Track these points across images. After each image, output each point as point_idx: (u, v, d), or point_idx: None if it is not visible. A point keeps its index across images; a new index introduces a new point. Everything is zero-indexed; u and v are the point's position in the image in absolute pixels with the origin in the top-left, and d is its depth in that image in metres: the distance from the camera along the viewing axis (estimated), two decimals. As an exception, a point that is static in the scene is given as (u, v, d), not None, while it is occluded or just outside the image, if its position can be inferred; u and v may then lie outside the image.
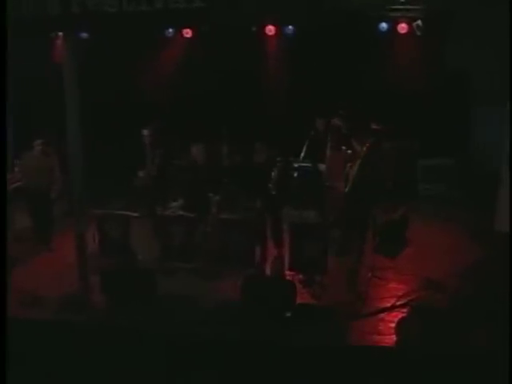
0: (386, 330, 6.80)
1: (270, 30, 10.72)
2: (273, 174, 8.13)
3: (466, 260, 8.38)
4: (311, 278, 7.77)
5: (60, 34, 8.33)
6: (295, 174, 9.22)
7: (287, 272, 7.47)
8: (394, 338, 6.62)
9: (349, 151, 8.91)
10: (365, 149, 7.80)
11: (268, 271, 7.33)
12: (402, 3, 8.71)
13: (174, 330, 6.77)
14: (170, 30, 10.82)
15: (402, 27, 10.12)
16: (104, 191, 9.65)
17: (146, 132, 9.09)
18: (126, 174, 9.78)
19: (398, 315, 7.05)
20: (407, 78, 10.48)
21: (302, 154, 9.26)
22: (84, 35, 10.32)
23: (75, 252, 7.90)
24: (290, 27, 10.67)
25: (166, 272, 7.85)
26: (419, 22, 9.83)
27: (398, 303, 7.34)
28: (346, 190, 7.94)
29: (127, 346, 6.30)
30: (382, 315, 7.12)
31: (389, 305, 7.32)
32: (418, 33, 9.95)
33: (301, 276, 7.78)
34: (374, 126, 8.25)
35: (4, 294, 5.95)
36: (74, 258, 7.97)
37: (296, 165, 9.28)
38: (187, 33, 10.94)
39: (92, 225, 8.27)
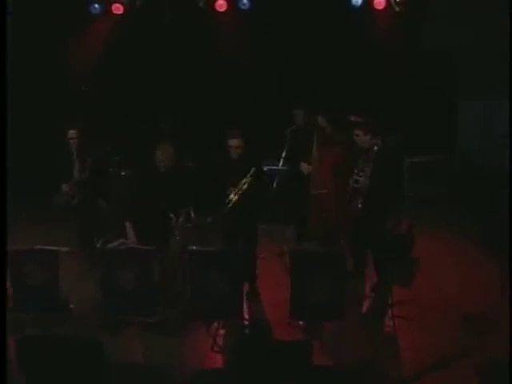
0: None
1: (221, 5, 9.56)
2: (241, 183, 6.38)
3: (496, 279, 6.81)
4: (316, 324, 5.94)
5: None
6: (273, 180, 7.55)
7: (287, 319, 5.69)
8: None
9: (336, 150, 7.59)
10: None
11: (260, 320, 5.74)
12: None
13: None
14: (96, 6, 9.59)
15: (379, 2, 9.18)
16: (18, 216, 7.59)
17: (70, 133, 7.24)
18: (46, 189, 7.73)
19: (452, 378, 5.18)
20: (384, 60, 9.48)
21: (283, 155, 7.48)
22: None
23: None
24: (245, 1, 9.53)
25: (114, 329, 5.94)
26: (399, -5, 8.94)
27: (447, 357, 5.43)
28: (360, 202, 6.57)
29: None
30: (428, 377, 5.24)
31: (433, 361, 5.41)
32: (397, 8, 9.02)
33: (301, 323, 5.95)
34: (352, 118, 7.29)
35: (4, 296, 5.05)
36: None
37: (270, 168, 7.56)
38: (117, 8, 9.59)
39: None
